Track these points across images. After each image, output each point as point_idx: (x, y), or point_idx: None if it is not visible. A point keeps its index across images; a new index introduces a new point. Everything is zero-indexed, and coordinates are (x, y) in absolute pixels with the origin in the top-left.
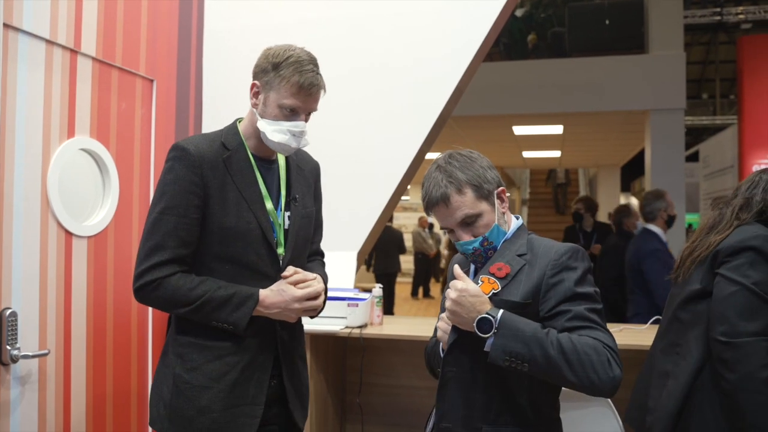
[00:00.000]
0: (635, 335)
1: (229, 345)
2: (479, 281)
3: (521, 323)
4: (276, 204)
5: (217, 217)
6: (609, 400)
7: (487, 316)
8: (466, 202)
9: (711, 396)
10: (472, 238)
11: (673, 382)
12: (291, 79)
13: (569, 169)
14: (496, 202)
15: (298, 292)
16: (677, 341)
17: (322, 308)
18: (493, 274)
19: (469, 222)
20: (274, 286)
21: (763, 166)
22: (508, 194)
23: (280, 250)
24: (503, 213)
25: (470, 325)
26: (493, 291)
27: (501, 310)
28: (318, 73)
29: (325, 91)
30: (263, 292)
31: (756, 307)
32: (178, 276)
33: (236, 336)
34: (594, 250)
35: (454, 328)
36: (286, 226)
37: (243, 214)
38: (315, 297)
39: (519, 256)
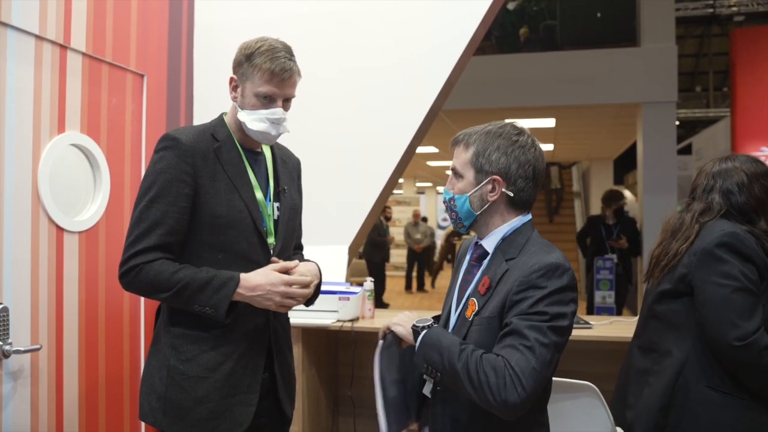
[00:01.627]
0: (626, 327)
1: (224, 335)
2: (468, 305)
3: (444, 336)
4: (265, 194)
5: (209, 206)
6: (596, 389)
7: (417, 326)
8: (461, 158)
9: (696, 393)
10: (450, 191)
11: (654, 380)
12: (263, 67)
13: (563, 172)
14: (486, 184)
15: (286, 276)
16: (655, 340)
17: (316, 296)
18: (478, 292)
19: (454, 175)
20: (259, 270)
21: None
22: (504, 190)
23: (271, 240)
24: (487, 201)
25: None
26: (474, 313)
27: (435, 325)
28: (291, 59)
29: (300, 76)
30: (245, 275)
31: (750, 304)
32: (160, 262)
33: (230, 325)
34: (621, 244)
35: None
36: (276, 217)
37: (234, 203)
38: (306, 286)
39: (507, 260)
